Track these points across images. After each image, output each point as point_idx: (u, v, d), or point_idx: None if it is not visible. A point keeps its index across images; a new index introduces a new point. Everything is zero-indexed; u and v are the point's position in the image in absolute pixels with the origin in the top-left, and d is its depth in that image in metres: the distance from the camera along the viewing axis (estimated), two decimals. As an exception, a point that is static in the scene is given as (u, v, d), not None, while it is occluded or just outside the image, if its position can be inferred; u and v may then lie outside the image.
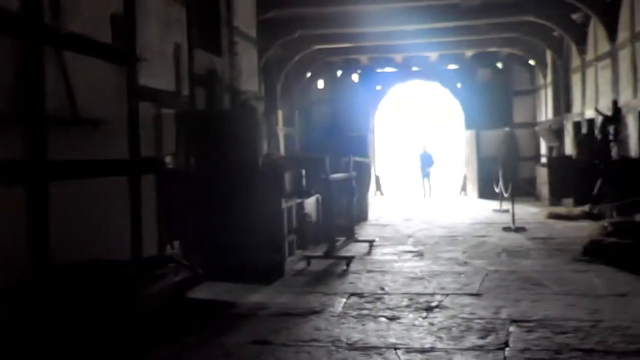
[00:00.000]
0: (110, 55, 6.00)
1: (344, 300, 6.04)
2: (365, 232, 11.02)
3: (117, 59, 6.11)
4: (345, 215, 9.45)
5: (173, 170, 6.99)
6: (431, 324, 5.10)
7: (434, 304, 5.77)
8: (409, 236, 10.34)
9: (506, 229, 10.46)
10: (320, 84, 19.08)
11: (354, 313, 5.52)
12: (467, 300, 5.89)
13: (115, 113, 5.86)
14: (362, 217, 12.66)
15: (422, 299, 5.98)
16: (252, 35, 11.38)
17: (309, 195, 8.29)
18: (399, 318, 5.31)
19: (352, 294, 6.33)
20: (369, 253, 8.82)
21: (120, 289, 4.25)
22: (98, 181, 5.14)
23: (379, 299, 6.10)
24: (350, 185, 9.35)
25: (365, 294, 6.31)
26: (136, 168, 5.87)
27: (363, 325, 5.12)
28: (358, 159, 13.20)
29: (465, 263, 7.71)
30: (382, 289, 6.54)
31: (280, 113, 15.69)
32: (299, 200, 8.18)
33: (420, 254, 8.54)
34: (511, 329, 4.86)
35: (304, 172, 8.51)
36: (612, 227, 7.65)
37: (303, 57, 15.66)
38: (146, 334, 4.74)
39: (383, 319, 5.30)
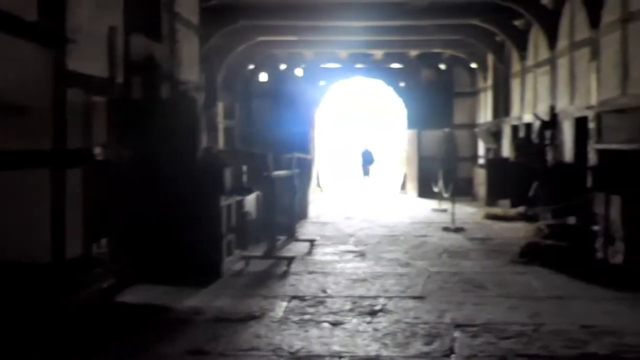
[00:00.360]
0: (35, 36, 5.44)
1: (284, 304, 5.80)
2: (306, 230, 10.82)
3: (44, 40, 5.55)
4: (286, 214, 9.20)
5: (104, 162, 6.47)
6: (376, 329, 4.95)
7: (377, 307, 5.64)
8: (351, 235, 10.23)
9: (446, 229, 10.56)
10: (263, 76, 18.66)
11: (296, 318, 5.29)
12: (411, 303, 5.80)
13: (39, 100, 5.33)
14: (303, 214, 12.46)
15: (365, 303, 5.83)
16: (194, 22, 10.87)
17: (250, 192, 7.98)
18: (342, 323, 5.13)
19: (294, 297, 6.10)
20: (310, 253, 8.62)
21: (38, 295, 3.81)
22: (15, 174, 4.63)
23: (321, 302, 5.90)
24: (292, 183, 9.10)
25: (307, 297, 6.09)
26: (61, 160, 5.36)
27: (305, 331, 4.90)
28: (301, 155, 13.04)
29: (408, 264, 7.66)
30: (325, 291, 6.35)
31: (220, 105, 15.20)
32: (239, 198, 7.86)
33: (362, 254, 8.43)
34: (456, 334, 4.79)
35: (244, 168, 8.20)
36: (548, 230, 7.82)
37: (246, 49, 15.22)
38: (70, 344, 4.32)
39: (326, 325, 5.10)
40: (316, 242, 9.28)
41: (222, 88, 15.27)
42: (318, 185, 19.15)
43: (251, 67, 18.00)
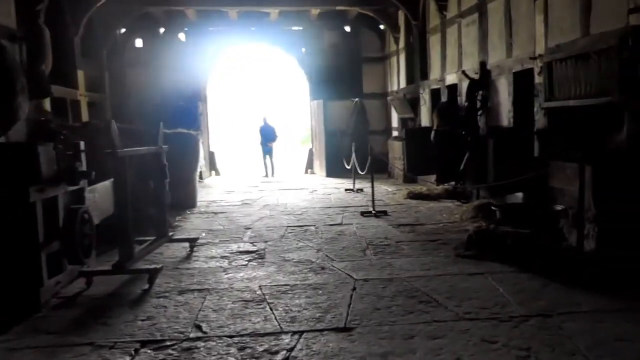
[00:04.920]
0: None
1: (126, 361, 3.46)
2: (189, 225, 8.40)
3: None
4: (156, 205, 6.73)
5: None
6: (276, 415, 2.77)
7: (279, 358, 3.46)
8: (247, 228, 7.96)
9: (365, 214, 8.61)
10: (139, 42, 15.68)
11: (136, 399, 2.97)
12: (333, 343, 3.68)
13: None
14: (188, 204, 10.02)
15: (260, 347, 3.64)
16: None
17: (88, 177, 5.40)
18: (218, 404, 2.89)
19: (146, 343, 3.79)
20: (188, 258, 6.26)
21: None
22: None
23: (188, 350, 3.63)
24: (160, 164, 6.62)
25: (168, 341, 3.80)
26: None
27: None
28: (182, 130, 10.50)
29: (323, 268, 5.55)
30: (199, 327, 4.07)
31: (81, 74, 12.22)
32: (74, 188, 5.30)
33: (260, 256, 6.21)
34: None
35: (82, 145, 5.60)
36: (500, 213, 6.03)
37: (111, 5, 12.25)
38: None
39: (188, 411, 2.84)
40: (199, 242, 6.95)
41: (82, 53, 12.31)
42: (213, 168, 16.63)
43: (123, 30, 15.04)
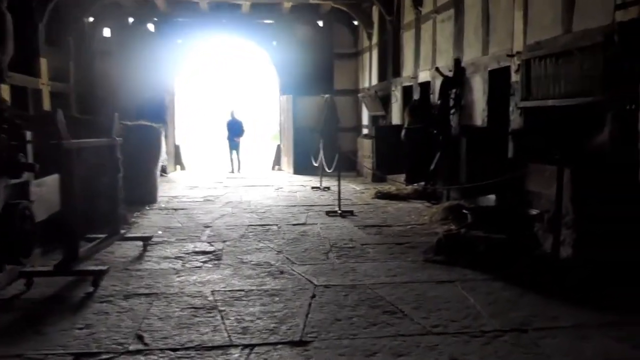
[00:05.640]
0: None
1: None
2: (147, 221, 7.90)
3: None
4: (109, 201, 6.22)
5: None
6: None
7: (225, 378, 3.05)
8: (207, 226, 7.51)
9: (331, 214, 8.23)
10: (107, 32, 15.02)
11: None
12: (287, 359, 3.28)
13: None
14: (148, 199, 9.51)
15: (205, 364, 3.22)
16: None
17: (31, 170, 4.87)
18: None
19: (79, 356, 3.35)
20: (140, 258, 5.78)
21: None
22: None
23: (124, 367, 3.19)
24: (113, 158, 6.11)
25: (104, 354, 3.36)
26: None
27: None
28: (144, 123, 9.95)
29: (282, 272, 5.15)
30: (140, 337, 3.63)
31: (44, 62, 11.60)
32: (16, 181, 4.76)
33: (216, 257, 5.78)
34: None
35: (29, 136, 5.05)
36: (472, 216, 5.72)
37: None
38: None
39: None
40: (154, 240, 6.47)
41: (47, 42, 11.71)
42: (179, 162, 16.05)
43: (90, 19, 14.42)
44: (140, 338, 3.61)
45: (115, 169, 6.14)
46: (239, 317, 3.96)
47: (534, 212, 5.45)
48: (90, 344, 3.53)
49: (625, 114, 5.05)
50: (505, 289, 4.48)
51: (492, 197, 6.99)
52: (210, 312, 4.07)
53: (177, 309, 4.15)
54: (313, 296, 4.40)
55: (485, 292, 4.41)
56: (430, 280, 4.80)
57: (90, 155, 6.35)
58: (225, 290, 4.60)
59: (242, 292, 4.54)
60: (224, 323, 3.85)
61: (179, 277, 5.05)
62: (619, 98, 5.06)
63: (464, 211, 5.92)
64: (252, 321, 3.88)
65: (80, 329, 3.79)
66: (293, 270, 5.20)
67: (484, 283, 4.65)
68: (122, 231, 6.35)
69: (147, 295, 4.51)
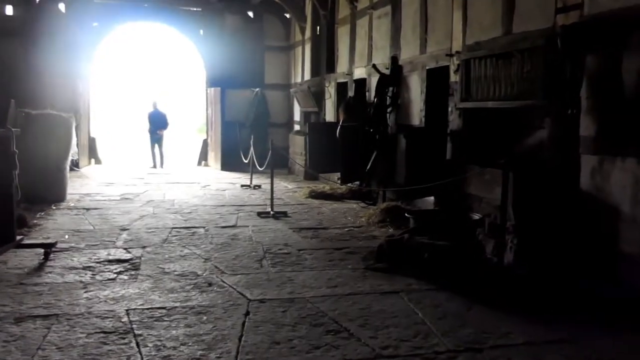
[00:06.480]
0: None
1: None
2: (52, 223, 7.04)
3: None
4: (2, 199, 5.36)
5: None
6: None
7: None
8: (123, 229, 6.78)
9: (263, 215, 7.73)
10: (9, 10, 13.55)
11: None
12: (217, 398, 2.78)
13: None
14: (55, 197, 8.59)
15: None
16: None
17: None
18: None
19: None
20: (39, 269, 5.02)
21: None
22: None
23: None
24: (8, 152, 5.26)
25: (-18, 402, 2.68)
26: None
27: None
28: (51, 112, 8.98)
29: (210, 285, 4.60)
30: (31, 374, 2.97)
31: None
32: None
33: (134, 267, 5.12)
34: None
35: None
36: (414, 220, 5.43)
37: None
38: None
39: None
40: (59, 247, 5.68)
41: None
42: (94, 156, 14.87)
43: None
44: (33, 374, 2.97)
45: (10, 164, 5.30)
46: (158, 344, 3.38)
47: (477, 216, 5.25)
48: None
49: (566, 118, 4.94)
50: (452, 300, 4.19)
51: (431, 199, 6.78)
52: (123, 338, 3.47)
53: (82, 335, 3.50)
54: (247, 313, 3.90)
55: (433, 305, 4.10)
56: (373, 291, 4.43)
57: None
58: (143, 309, 3.99)
59: (164, 311, 3.96)
60: (140, 352, 3.26)
61: (86, 292, 4.36)
62: (560, 102, 4.94)
63: (407, 215, 5.61)
64: (174, 348, 3.32)
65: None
66: (223, 281, 4.67)
67: (430, 294, 4.34)
68: (19, 237, 5.51)
69: (44, 317, 3.80)
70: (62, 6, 13.88)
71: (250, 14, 15.12)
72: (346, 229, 6.87)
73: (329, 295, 4.31)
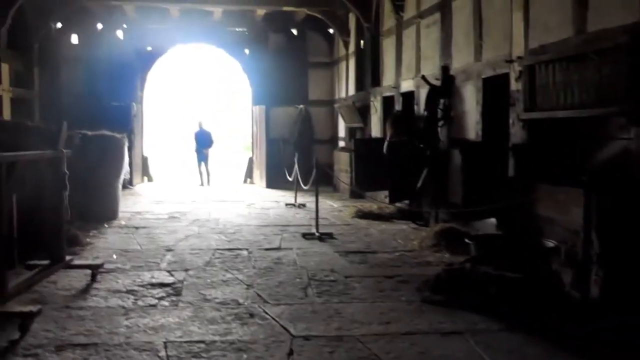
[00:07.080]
0: None
1: None
2: (102, 242, 7.03)
3: None
4: (53, 222, 5.24)
5: None
6: None
7: None
8: (168, 249, 6.61)
9: (308, 236, 7.37)
10: (74, 39, 14.06)
11: None
12: None
13: None
14: (108, 215, 8.65)
15: None
16: None
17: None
18: None
19: None
20: (85, 291, 4.87)
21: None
22: None
23: None
24: (59, 173, 5.15)
25: None
26: None
27: None
28: (105, 132, 9.00)
29: (252, 316, 4.24)
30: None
31: (5, 67, 10.75)
32: None
33: (176, 292, 4.86)
34: None
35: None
36: (475, 248, 4.91)
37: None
38: None
39: None
40: (106, 267, 5.53)
41: (8, 45, 11.18)
42: (146, 174, 15.05)
43: (59, 25, 13.78)
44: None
45: (60, 185, 5.18)
46: (194, 388, 3.04)
47: (551, 243, 4.67)
48: None
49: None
50: (530, 344, 3.63)
51: (491, 221, 6.22)
52: (159, 377, 3.15)
53: (115, 372, 3.22)
54: (290, 353, 3.50)
55: (506, 350, 3.54)
56: (433, 330, 3.93)
57: (32, 169, 5.45)
58: (181, 342, 3.68)
59: (202, 345, 3.62)
60: (175, 396, 2.93)
61: (127, 319, 4.12)
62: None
63: (467, 241, 5.10)
64: (211, 394, 2.97)
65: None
66: (265, 312, 4.30)
67: (501, 335, 3.79)
68: (69, 257, 5.38)
69: (84, 346, 3.58)
70: (119, 33, 14.27)
71: (294, 31, 15.01)
72: (397, 254, 6.40)
73: (382, 334, 3.85)
